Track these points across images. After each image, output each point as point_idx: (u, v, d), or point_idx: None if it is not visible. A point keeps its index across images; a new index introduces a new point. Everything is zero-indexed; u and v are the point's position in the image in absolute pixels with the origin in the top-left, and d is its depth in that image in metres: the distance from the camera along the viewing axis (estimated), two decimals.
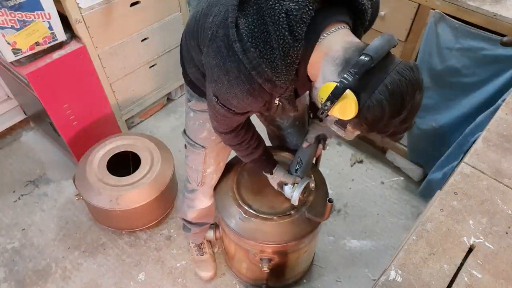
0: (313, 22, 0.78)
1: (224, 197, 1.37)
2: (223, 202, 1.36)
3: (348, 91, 0.74)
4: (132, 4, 1.85)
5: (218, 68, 0.87)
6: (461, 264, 0.79)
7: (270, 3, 0.77)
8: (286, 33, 0.77)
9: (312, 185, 1.33)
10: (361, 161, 2.14)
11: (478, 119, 1.40)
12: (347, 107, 0.75)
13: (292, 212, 1.31)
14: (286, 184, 1.28)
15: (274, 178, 1.30)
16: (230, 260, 1.64)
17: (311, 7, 0.77)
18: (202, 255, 1.70)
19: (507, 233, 0.84)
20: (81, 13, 1.67)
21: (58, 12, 1.59)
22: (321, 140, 1.32)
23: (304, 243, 1.38)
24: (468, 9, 1.37)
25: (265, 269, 1.38)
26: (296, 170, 1.27)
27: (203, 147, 1.28)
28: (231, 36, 0.81)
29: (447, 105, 1.59)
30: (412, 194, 1.99)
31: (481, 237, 0.83)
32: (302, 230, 1.31)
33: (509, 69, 1.34)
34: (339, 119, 0.81)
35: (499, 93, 1.37)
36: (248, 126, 1.15)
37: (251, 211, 1.31)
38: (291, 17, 0.76)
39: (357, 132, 0.83)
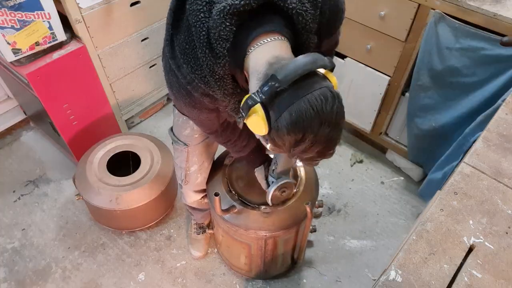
0: (237, 36, 0.76)
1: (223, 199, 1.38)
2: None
3: (258, 107, 0.72)
4: (132, 4, 1.85)
5: (166, 82, 0.95)
6: (461, 264, 0.79)
7: (195, 20, 0.77)
8: (207, 51, 0.77)
9: (293, 183, 1.29)
10: (361, 161, 2.14)
11: (478, 119, 1.40)
12: (257, 123, 0.73)
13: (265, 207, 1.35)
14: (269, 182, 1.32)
15: (257, 176, 1.33)
16: (229, 257, 1.65)
17: (228, 23, 0.74)
18: (199, 234, 1.76)
19: (507, 233, 0.84)
20: (81, 13, 1.67)
21: (58, 12, 1.59)
22: None
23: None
24: (468, 9, 1.37)
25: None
26: (273, 170, 1.27)
27: (185, 144, 1.31)
28: (167, 53, 0.85)
29: (447, 105, 1.59)
30: (412, 194, 1.99)
31: (481, 237, 0.83)
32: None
33: (509, 69, 1.34)
34: (263, 137, 0.78)
35: (499, 93, 1.37)
36: (234, 126, 1.16)
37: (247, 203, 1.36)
38: (210, 35, 0.75)
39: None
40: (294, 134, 0.70)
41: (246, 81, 0.81)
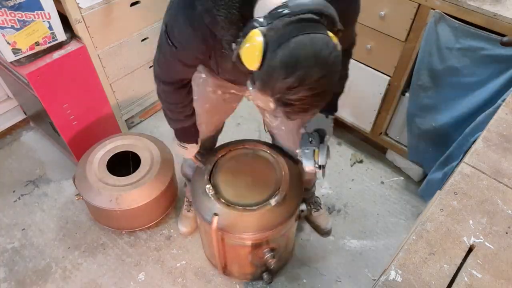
0: None
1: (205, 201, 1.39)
2: (206, 208, 1.38)
3: (258, 36, 0.70)
4: (132, 4, 1.85)
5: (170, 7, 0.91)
6: (461, 264, 0.79)
7: None
8: None
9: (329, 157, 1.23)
10: (361, 161, 2.14)
11: (478, 119, 1.40)
12: (252, 52, 0.72)
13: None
14: (202, 155, 1.36)
15: (193, 150, 1.35)
16: (229, 267, 1.63)
17: None
18: (189, 211, 1.81)
19: (507, 233, 0.84)
20: (81, 13, 1.67)
21: (58, 12, 1.59)
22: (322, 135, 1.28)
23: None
24: (468, 9, 1.37)
25: (270, 260, 1.43)
26: (311, 141, 1.20)
27: None
28: None
29: (447, 105, 1.59)
30: (412, 194, 1.99)
31: (481, 237, 0.83)
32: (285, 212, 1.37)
33: (509, 69, 1.34)
34: (251, 75, 0.78)
35: (499, 93, 1.37)
36: (188, 92, 1.16)
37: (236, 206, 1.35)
38: None
39: (262, 98, 0.77)
40: (285, 69, 0.68)
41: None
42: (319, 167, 1.18)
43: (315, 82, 0.69)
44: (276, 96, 0.73)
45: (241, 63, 0.77)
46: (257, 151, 1.52)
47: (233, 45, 0.80)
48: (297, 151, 1.22)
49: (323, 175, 1.20)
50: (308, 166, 1.19)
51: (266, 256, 1.43)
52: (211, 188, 1.37)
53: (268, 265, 1.48)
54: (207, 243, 1.58)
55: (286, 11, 0.68)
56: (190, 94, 1.19)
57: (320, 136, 1.23)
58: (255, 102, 1.38)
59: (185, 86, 1.14)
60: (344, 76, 1.22)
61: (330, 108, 1.26)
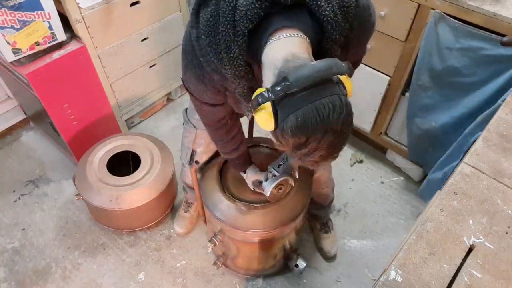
0: (262, 22, 0.78)
1: (216, 201, 1.40)
2: (216, 206, 1.41)
3: (267, 104, 0.73)
4: (132, 4, 1.85)
5: (182, 50, 0.93)
6: (461, 264, 0.79)
7: None
8: (229, 26, 0.77)
9: (291, 182, 1.29)
10: (361, 161, 2.14)
11: (478, 119, 1.40)
12: (264, 119, 0.74)
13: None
14: (260, 182, 1.31)
15: (248, 177, 1.34)
16: (239, 262, 1.64)
17: (258, 6, 0.75)
18: (185, 212, 1.84)
19: (507, 233, 0.84)
20: (81, 13, 1.67)
21: (58, 12, 1.59)
22: None
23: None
24: (468, 9, 1.37)
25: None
26: (279, 165, 1.27)
27: (195, 127, 1.39)
28: (191, 22, 0.85)
29: (447, 105, 1.59)
30: (412, 194, 1.99)
31: (481, 237, 0.83)
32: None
33: (509, 69, 1.34)
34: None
35: (499, 93, 1.37)
36: (230, 128, 1.18)
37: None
38: (237, 11, 0.76)
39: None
40: (298, 138, 0.71)
41: (259, 69, 0.82)
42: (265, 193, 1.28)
43: (330, 143, 0.72)
44: (295, 156, 0.76)
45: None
46: (268, 148, 1.55)
47: (247, 111, 0.81)
48: (268, 166, 1.29)
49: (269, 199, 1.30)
50: (264, 190, 1.28)
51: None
52: (220, 185, 1.41)
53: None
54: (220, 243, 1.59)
55: (288, 88, 0.70)
56: (229, 133, 1.20)
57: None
58: None
59: (222, 127, 1.16)
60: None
61: None
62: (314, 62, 0.72)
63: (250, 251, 1.50)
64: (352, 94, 0.78)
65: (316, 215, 1.77)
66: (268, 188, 1.25)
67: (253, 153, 1.48)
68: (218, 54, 0.81)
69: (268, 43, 0.77)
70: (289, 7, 0.78)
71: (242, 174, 1.36)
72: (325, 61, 0.72)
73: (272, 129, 0.75)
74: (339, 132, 0.72)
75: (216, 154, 1.53)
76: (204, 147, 1.47)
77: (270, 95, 0.72)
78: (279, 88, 0.70)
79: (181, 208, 1.85)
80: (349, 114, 0.74)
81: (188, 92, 1.05)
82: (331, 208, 1.79)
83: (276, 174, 1.26)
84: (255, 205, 1.36)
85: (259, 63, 0.81)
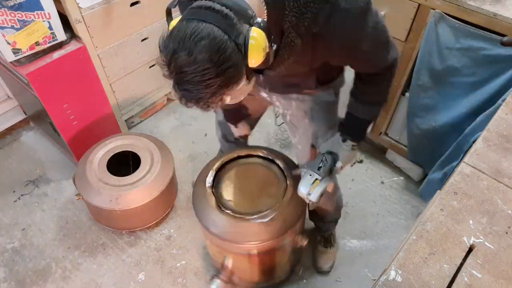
0: None
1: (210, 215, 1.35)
2: (211, 219, 1.34)
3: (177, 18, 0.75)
4: (132, 4, 1.85)
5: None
6: (461, 264, 0.79)
7: None
8: None
9: (329, 190, 1.19)
10: (361, 161, 2.14)
11: (478, 119, 1.40)
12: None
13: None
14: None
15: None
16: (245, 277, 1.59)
17: None
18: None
19: (507, 233, 0.84)
20: (81, 13, 1.67)
21: (58, 12, 1.59)
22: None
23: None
24: (468, 9, 1.37)
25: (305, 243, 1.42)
26: (319, 168, 1.15)
27: None
28: None
29: (447, 105, 1.59)
30: (412, 194, 1.99)
31: (481, 237, 0.83)
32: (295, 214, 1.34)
33: (509, 69, 1.34)
34: None
35: (499, 93, 1.37)
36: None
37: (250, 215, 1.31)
38: None
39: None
40: (162, 46, 0.73)
41: None
42: (309, 199, 1.15)
43: (184, 73, 0.70)
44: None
45: None
46: (262, 158, 1.48)
47: None
48: (302, 169, 1.18)
49: (310, 207, 1.20)
50: (300, 191, 1.16)
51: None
52: (213, 195, 1.34)
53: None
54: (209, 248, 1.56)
55: None
56: None
57: (334, 161, 1.19)
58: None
59: None
60: (377, 102, 1.13)
61: (349, 131, 1.19)
62: None
63: (249, 265, 1.45)
64: (256, 65, 0.74)
65: (317, 225, 1.73)
66: (317, 195, 1.12)
67: (248, 164, 1.44)
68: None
69: None
70: None
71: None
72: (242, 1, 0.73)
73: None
74: (199, 63, 0.68)
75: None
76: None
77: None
78: None
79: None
80: (219, 55, 0.68)
81: None
82: (334, 224, 1.72)
83: (318, 177, 1.13)
84: (251, 216, 1.29)
85: None
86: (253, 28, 0.71)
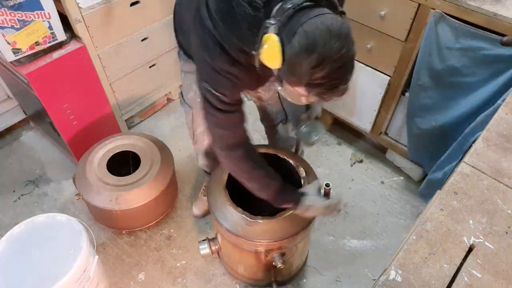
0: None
1: (222, 207, 1.37)
2: (222, 212, 1.37)
3: (272, 35, 0.77)
4: (132, 4, 1.85)
5: (199, 47, 0.95)
6: (461, 264, 0.79)
7: None
8: (246, 3, 0.83)
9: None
10: (361, 161, 2.14)
11: (478, 119, 1.40)
12: (271, 51, 0.77)
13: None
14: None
15: (305, 207, 1.20)
16: (235, 268, 1.63)
17: None
18: (205, 196, 1.83)
19: (507, 233, 0.84)
20: (81, 13, 1.67)
21: (58, 11, 1.59)
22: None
23: (306, 232, 1.40)
24: (468, 9, 1.37)
25: (280, 265, 1.37)
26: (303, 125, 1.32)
27: (190, 106, 1.39)
28: (202, 14, 0.88)
29: (447, 105, 1.59)
30: (412, 194, 1.99)
31: (481, 237, 0.83)
32: (303, 221, 1.33)
33: (509, 69, 1.34)
34: (277, 76, 0.83)
35: (499, 93, 1.37)
36: (249, 149, 1.14)
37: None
38: None
39: (295, 89, 0.81)
40: (306, 51, 0.73)
41: None
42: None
43: (336, 54, 0.74)
44: (305, 80, 0.77)
45: (265, 66, 0.82)
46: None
47: (253, 53, 0.85)
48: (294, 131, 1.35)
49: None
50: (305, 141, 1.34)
51: (275, 261, 1.38)
52: (228, 195, 1.37)
53: (276, 270, 1.46)
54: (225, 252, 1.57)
55: (288, 5, 0.75)
56: (253, 152, 1.16)
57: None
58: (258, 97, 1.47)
59: (246, 144, 1.12)
60: None
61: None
62: None
63: (256, 262, 1.47)
64: None
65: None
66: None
67: None
68: (240, 34, 0.86)
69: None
70: None
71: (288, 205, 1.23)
72: None
73: (280, 61, 0.76)
74: (344, 37, 0.74)
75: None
76: (203, 128, 1.43)
77: (276, 19, 0.76)
78: (281, 10, 0.75)
79: (201, 192, 1.88)
80: (350, 29, 0.77)
81: (215, 97, 0.98)
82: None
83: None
84: (263, 216, 1.32)
85: None
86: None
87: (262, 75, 0.97)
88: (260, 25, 0.82)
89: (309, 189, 1.25)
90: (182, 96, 1.45)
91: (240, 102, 1.05)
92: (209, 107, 1.02)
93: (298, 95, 0.82)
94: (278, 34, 0.77)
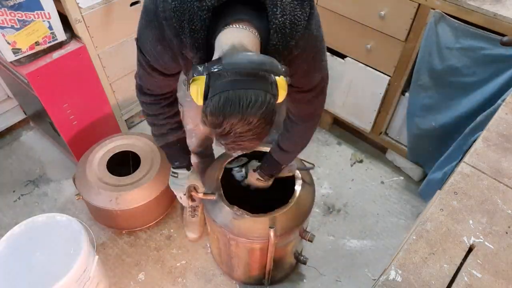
0: (225, 8, 0.81)
1: (221, 210, 1.38)
2: (212, 205, 1.38)
3: (202, 78, 0.76)
4: (132, 4, 1.85)
5: (143, 7, 0.95)
6: (461, 264, 0.79)
7: None
8: (190, 32, 0.81)
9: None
10: (361, 161, 2.14)
11: (478, 119, 1.40)
12: (195, 92, 0.77)
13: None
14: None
15: (184, 182, 1.32)
16: (230, 266, 1.63)
17: (203, 14, 0.80)
18: (193, 217, 1.79)
19: (507, 233, 0.84)
20: (81, 13, 1.67)
21: (58, 11, 1.59)
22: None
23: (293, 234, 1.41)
24: (468, 9, 1.37)
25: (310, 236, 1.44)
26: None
27: (180, 104, 1.34)
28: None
29: (447, 105, 1.59)
30: (412, 194, 1.99)
31: (481, 237, 0.83)
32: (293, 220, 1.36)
33: (509, 69, 1.34)
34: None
35: (499, 93, 1.37)
36: (170, 103, 1.18)
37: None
38: (191, 22, 0.80)
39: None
40: (215, 117, 0.74)
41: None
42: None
43: (241, 133, 0.75)
44: (211, 130, 0.79)
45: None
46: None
47: (184, 82, 0.86)
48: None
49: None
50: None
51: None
52: (222, 194, 1.38)
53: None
54: (224, 253, 1.57)
55: (219, 68, 0.73)
56: (174, 107, 1.20)
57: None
58: None
59: (167, 98, 1.16)
60: (313, 116, 1.18)
61: (264, 167, 1.37)
62: (250, 53, 0.77)
63: (253, 259, 1.48)
64: (282, 100, 0.80)
65: None
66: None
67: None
68: (180, 21, 0.83)
69: (224, 29, 0.80)
70: (252, 3, 0.81)
71: (177, 171, 1.32)
72: (261, 56, 0.76)
73: (200, 103, 0.78)
74: (255, 125, 0.74)
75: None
76: (193, 126, 1.45)
77: (203, 70, 0.75)
78: (212, 66, 0.74)
79: (188, 214, 1.81)
80: (270, 112, 0.75)
81: (141, 55, 1.03)
82: None
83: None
84: (256, 213, 1.33)
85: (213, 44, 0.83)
86: (278, 78, 0.77)
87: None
88: (199, 24, 0.81)
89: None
90: None
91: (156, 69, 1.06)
92: (137, 57, 1.09)
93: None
94: (207, 81, 0.76)
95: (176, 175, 1.33)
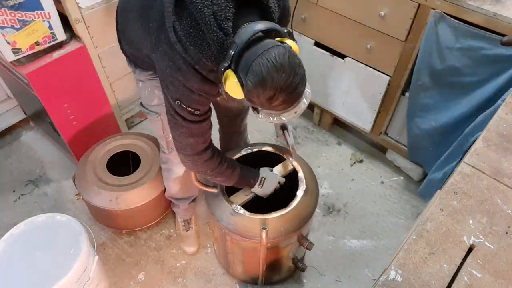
0: (235, 20, 0.91)
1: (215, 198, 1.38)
2: (213, 201, 1.39)
3: (229, 73, 0.89)
4: None
5: (169, 68, 1.00)
6: (461, 264, 0.79)
7: (199, 7, 0.89)
8: (217, 29, 0.90)
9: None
10: (361, 161, 2.14)
11: (478, 119, 1.40)
12: (232, 87, 0.90)
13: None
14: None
15: (270, 180, 1.36)
16: (226, 262, 1.64)
17: (230, 6, 0.90)
18: (188, 230, 1.78)
19: (507, 232, 0.84)
20: (81, 13, 1.67)
21: (58, 11, 1.59)
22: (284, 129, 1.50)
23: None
24: (468, 9, 1.37)
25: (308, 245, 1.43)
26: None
27: (157, 113, 1.37)
28: (171, 38, 0.94)
29: (447, 104, 1.59)
30: (412, 194, 1.99)
31: (481, 236, 0.83)
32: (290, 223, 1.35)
33: (509, 69, 1.34)
34: (252, 106, 0.94)
35: (499, 93, 1.37)
36: (214, 148, 1.23)
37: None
38: (217, 17, 0.89)
39: (270, 112, 0.93)
40: (259, 87, 0.84)
41: None
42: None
43: (285, 84, 0.85)
44: (265, 108, 0.90)
45: (232, 97, 0.94)
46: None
47: (220, 87, 1.00)
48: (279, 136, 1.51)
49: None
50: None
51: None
52: (225, 194, 1.38)
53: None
54: (220, 247, 1.58)
55: (234, 48, 0.86)
56: (217, 151, 1.26)
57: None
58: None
59: (212, 146, 1.22)
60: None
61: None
62: (252, 23, 0.89)
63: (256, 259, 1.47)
64: (296, 48, 0.91)
65: None
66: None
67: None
68: (210, 56, 0.93)
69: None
70: (246, 3, 0.93)
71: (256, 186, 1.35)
72: (263, 22, 0.89)
73: (242, 93, 0.89)
74: (289, 70, 0.84)
75: None
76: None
77: (227, 61, 0.87)
78: (231, 51, 0.86)
79: (180, 228, 1.78)
80: (293, 55, 0.86)
81: (189, 114, 1.07)
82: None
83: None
84: (263, 213, 1.33)
85: None
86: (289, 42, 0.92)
87: None
88: (229, 48, 0.90)
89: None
90: (144, 106, 1.40)
91: (209, 111, 1.15)
92: (181, 121, 1.09)
93: (268, 114, 0.95)
94: (234, 71, 0.88)
95: (270, 170, 1.40)
